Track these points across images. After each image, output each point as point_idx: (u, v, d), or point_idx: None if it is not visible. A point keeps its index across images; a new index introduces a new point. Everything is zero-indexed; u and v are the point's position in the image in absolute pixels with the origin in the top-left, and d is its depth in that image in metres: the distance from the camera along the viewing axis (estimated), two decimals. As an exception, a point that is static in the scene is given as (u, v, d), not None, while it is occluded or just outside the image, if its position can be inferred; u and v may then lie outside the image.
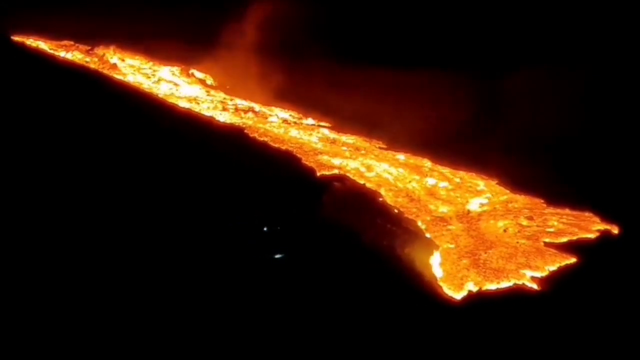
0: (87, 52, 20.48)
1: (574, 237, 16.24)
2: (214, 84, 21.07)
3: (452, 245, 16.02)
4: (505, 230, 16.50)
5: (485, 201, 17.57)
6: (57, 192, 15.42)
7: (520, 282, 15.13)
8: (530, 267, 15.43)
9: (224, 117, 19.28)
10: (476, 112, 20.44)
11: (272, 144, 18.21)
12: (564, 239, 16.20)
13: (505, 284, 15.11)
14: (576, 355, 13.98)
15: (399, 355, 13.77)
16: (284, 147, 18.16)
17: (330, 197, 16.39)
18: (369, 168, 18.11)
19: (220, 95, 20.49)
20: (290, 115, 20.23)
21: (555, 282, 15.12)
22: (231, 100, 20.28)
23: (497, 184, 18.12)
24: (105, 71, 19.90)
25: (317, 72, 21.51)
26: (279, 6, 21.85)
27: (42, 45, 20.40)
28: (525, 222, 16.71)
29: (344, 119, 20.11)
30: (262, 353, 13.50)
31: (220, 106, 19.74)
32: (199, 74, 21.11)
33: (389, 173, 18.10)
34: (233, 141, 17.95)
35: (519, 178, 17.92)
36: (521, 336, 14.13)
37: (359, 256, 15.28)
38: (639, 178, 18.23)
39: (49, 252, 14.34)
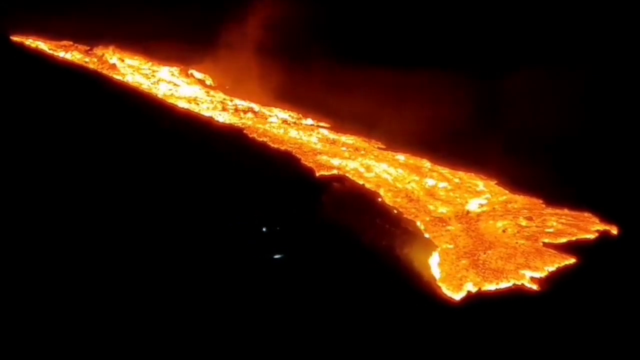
0: (86, 53, 20.45)
1: (573, 238, 16.24)
2: (213, 84, 21.05)
3: (451, 246, 16.01)
4: (504, 231, 16.49)
5: (484, 202, 17.56)
6: (56, 193, 15.42)
7: (519, 283, 15.13)
8: (529, 268, 15.42)
9: (223, 118, 19.28)
10: (475, 113, 20.42)
11: (271, 144, 18.20)
12: (563, 240, 16.20)
13: (504, 285, 15.10)
14: (576, 356, 13.97)
15: (398, 355, 13.77)
16: (283, 148, 18.15)
17: (329, 198, 16.39)
18: (368, 168, 18.10)
19: (220, 95, 20.48)
20: (289, 115, 20.21)
21: (555, 282, 15.11)
22: (231, 100, 20.27)
23: (496, 184, 18.12)
24: (105, 71, 19.87)
25: (316, 73, 21.50)
26: (278, 6, 21.84)
27: (42, 45, 20.37)
28: (524, 223, 16.70)
29: (343, 119, 20.09)
30: (262, 353, 13.50)
31: (219, 106, 19.73)
32: (198, 74, 21.09)
33: (388, 173, 18.09)
34: (232, 141, 17.95)
35: (518, 178, 17.92)
36: (521, 337, 14.13)
37: (358, 256, 15.27)
38: (637, 178, 18.22)
39: (48, 251, 14.34)
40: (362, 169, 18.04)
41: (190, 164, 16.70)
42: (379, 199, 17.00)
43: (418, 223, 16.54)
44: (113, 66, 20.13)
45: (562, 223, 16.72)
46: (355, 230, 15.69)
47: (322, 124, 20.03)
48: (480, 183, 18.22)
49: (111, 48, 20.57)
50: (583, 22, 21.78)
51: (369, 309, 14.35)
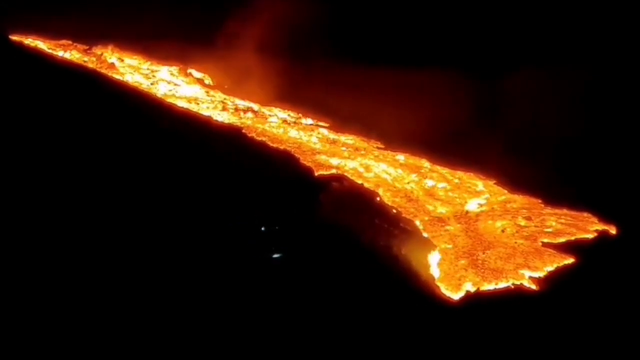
0: (85, 52, 20.44)
1: (572, 238, 16.22)
2: (212, 84, 21.04)
3: (450, 246, 16.00)
4: (503, 231, 16.47)
5: (483, 201, 17.55)
6: (55, 192, 15.42)
7: (518, 283, 15.11)
8: (528, 268, 15.40)
9: (222, 117, 19.26)
10: (475, 113, 20.40)
11: (270, 143, 18.19)
12: (562, 239, 16.18)
13: (503, 284, 15.09)
14: (575, 355, 13.96)
15: (397, 355, 13.76)
16: (282, 147, 18.14)
17: (328, 197, 16.38)
18: (367, 168, 18.09)
19: (219, 95, 20.46)
20: (288, 115, 20.20)
21: (554, 282, 15.10)
22: (230, 100, 20.26)
23: (495, 184, 18.11)
24: (104, 71, 19.86)
25: (316, 72, 21.47)
26: (277, 6, 21.82)
27: (40, 44, 20.37)
28: (523, 223, 16.68)
29: (342, 119, 20.08)
30: (261, 352, 13.48)
31: (219, 106, 19.71)
32: (197, 74, 21.08)
33: (388, 173, 18.08)
34: (231, 141, 17.94)
35: (517, 178, 17.90)
36: (519, 336, 14.12)
37: (357, 256, 15.26)
38: (636, 178, 18.21)
39: (47, 251, 14.33)
40: (361, 169, 18.03)
41: (189, 164, 16.69)
42: (378, 199, 16.99)
43: (417, 223, 16.53)
44: (112, 65, 20.12)
45: (561, 223, 16.70)
46: (354, 230, 15.69)
47: (321, 123, 20.01)
48: (479, 183, 18.20)
49: (110, 47, 20.55)
50: (583, 22, 21.76)
51: (367, 309, 14.34)
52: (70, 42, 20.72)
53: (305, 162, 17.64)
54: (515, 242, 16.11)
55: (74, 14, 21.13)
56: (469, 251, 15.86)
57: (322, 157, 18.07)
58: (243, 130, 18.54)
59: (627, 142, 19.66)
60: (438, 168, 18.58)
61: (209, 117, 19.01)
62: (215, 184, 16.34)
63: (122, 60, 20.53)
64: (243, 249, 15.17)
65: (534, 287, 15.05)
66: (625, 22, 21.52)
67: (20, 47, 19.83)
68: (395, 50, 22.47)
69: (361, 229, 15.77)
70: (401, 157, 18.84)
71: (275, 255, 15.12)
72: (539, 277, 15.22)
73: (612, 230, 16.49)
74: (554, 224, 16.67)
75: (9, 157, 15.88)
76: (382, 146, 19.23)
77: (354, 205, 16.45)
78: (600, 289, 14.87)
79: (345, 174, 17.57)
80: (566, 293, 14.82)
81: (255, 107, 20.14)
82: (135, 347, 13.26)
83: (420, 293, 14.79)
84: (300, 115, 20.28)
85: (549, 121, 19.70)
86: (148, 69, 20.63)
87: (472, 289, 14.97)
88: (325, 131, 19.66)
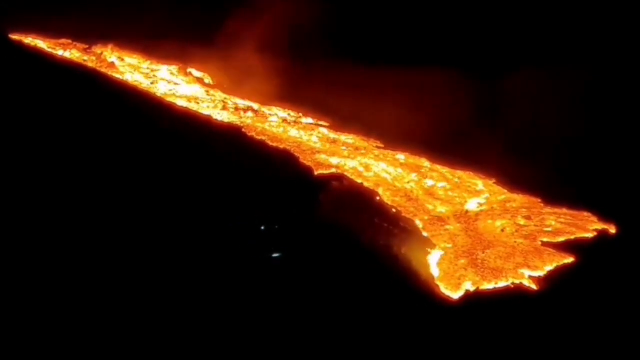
0: (85, 51, 20.44)
1: (572, 237, 16.21)
2: (212, 83, 21.04)
3: (450, 245, 16.00)
4: (502, 230, 16.46)
5: (483, 201, 17.54)
6: (54, 191, 15.42)
7: (518, 282, 15.10)
8: (528, 267, 15.39)
9: (222, 116, 19.26)
10: (474, 112, 20.39)
11: (269, 142, 18.19)
12: (562, 238, 16.17)
13: (502, 284, 15.08)
14: (574, 355, 13.95)
15: (396, 354, 13.76)
16: (281, 146, 18.14)
17: (327, 196, 16.37)
18: (367, 167, 18.08)
19: (219, 94, 20.46)
20: (288, 114, 20.19)
21: (553, 281, 15.09)
22: (230, 99, 20.25)
23: (494, 183, 18.10)
24: (103, 70, 19.86)
25: (316, 71, 21.45)
26: (277, 5, 21.82)
27: (40, 43, 20.36)
28: (522, 222, 16.67)
29: (342, 118, 20.07)
30: (260, 351, 13.48)
31: (219, 105, 19.71)
32: (197, 73, 21.07)
33: (387, 172, 18.07)
34: (231, 140, 17.94)
35: (516, 177, 17.89)
36: (519, 336, 14.11)
37: (357, 255, 15.26)
38: (636, 177, 18.20)
39: (46, 250, 14.33)
40: (360, 168, 18.02)
41: (188, 162, 16.69)
42: (378, 198, 16.98)
43: (417, 222, 16.52)
44: (112, 64, 20.11)
45: (561, 222, 16.68)
46: (354, 229, 15.68)
47: (321, 122, 20.01)
48: (479, 182, 18.19)
49: (110, 46, 20.54)
50: (583, 22, 21.76)
51: (367, 308, 14.34)
52: (69, 41, 20.72)
53: (304, 161, 17.64)
54: (515, 241, 16.10)
55: (74, 13, 21.13)
56: (469, 250, 15.86)
57: (322, 156, 18.06)
58: (243, 129, 18.54)
59: (626, 141, 19.66)
60: (438, 167, 18.57)
61: (209, 116, 19.01)
62: (215, 182, 16.33)
63: (122, 59, 20.53)
64: (243, 248, 15.16)
65: (533, 286, 15.04)
66: (625, 22, 21.52)
67: (20, 46, 19.83)
68: (396, 49, 22.46)
69: (361, 228, 15.76)
70: (401, 156, 18.83)
71: (275, 255, 15.11)
72: (539, 276, 15.21)
73: (612, 230, 16.47)
74: (553, 223, 16.66)
75: (8, 156, 15.88)
76: (381, 145, 19.23)
77: (354, 204, 16.44)
78: (600, 288, 14.86)
79: (345, 173, 17.56)
80: (566, 292, 14.82)
81: (255, 106, 20.14)
82: (135, 346, 13.25)
83: (419, 292, 14.79)
84: (300, 114, 20.27)
85: (549, 120, 19.68)
86: (148, 68, 20.62)
87: (472, 288, 14.96)
88: (325, 130, 19.65)
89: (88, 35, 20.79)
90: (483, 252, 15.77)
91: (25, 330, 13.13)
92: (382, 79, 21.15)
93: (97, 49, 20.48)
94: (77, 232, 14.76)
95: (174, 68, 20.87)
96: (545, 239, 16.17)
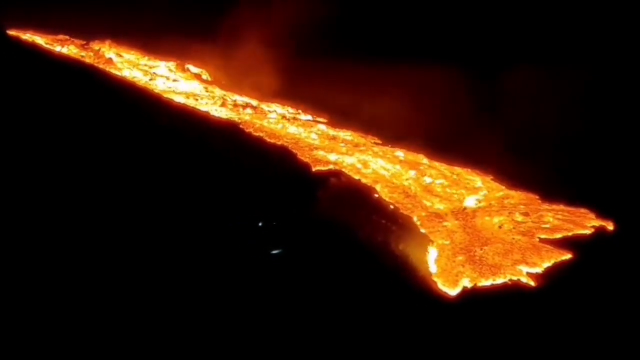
0: (83, 47, 20.41)
1: (569, 233, 16.23)
2: (209, 79, 21.03)
3: (448, 242, 16.01)
4: (500, 227, 16.48)
5: (481, 198, 17.55)
6: (52, 188, 15.40)
7: (515, 278, 15.12)
8: (525, 263, 15.41)
9: (220, 113, 19.25)
10: (473, 110, 20.41)
11: (267, 139, 18.18)
12: (559, 235, 16.18)
13: (500, 280, 15.09)
14: (572, 351, 13.98)
15: (394, 351, 13.77)
16: (279, 143, 18.13)
17: (325, 193, 16.37)
18: (365, 164, 18.08)
19: (217, 90, 20.45)
20: (287, 110, 20.19)
21: (551, 278, 15.11)
22: (229, 95, 20.25)
23: (492, 180, 18.11)
24: (101, 66, 19.83)
25: (314, 68, 21.46)
26: (276, 1, 21.82)
27: (38, 39, 20.33)
28: (520, 218, 16.68)
29: (341, 114, 20.08)
30: (259, 349, 13.49)
31: (218, 102, 19.70)
32: (195, 69, 21.06)
33: (385, 169, 18.07)
34: (228, 137, 17.93)
35: (514, 174, 17.91)
36: (517, 332, 14.12)
37: (354, 252, 15.26)
38: (633, 174, 18.23)
39: (44, 249, 14.32)
40: (359, 165, 18.02)
41: (187, 159, 16.68)
42: (376, 195, 16.98)
43: (415, 219, 16.53)
44: (109, 61, 20.08)
45: (558, 219, 16.70)
46: (352, 226, 15.68)
47: (319, 119, 20.01)
48: (477, 179, 18.21)
49: (108, 42, 20.52)
50: (583, 22, 21.77)
51: (365, 305, 14.34)
52: (67, 37, 20.68)
53: (302, 158, 17.63)
54: (513, 238, 16.11)
55: (72, 9, 21.10)
56: (467, 247, 15.86)
57: (320, 153, 18.05)
58: (241, 126, 18.53)
59: (624, 139, 19.68)
60: (436, 164, 18.58)
61: (207, 113, 18.99)
62: (213, 179, 16.32)
63: (120, 56, 20.50)
64: (241, 245, 15.17)
65: (531, 283, 15.05)
66: (625, 22, 21.53)
67: (18, 42, 19.79)
68: (395, 47, 22.47)
69: (359, 225, 15.77)
70: (399, 153, 18.84)
71: (273, 251, 15.11)
72: (537, 273, 15.23)
73: (610, 226, 16.49)
74: (551, 219, 16.67)
75: (6, 152, 15.86)
76: (380, 142, 19.24)
77: (352, 201, 16.44)
78: (598, 285, 14.89)
79: (343, 169, 17.56)
80: (563, 289, 14.84)
81: (254, 102, 20.14)
82: (135, 346, 13.26)
83: (417, 289, 14.80)
84: (299, 111, 20.28)
85: (547, 118, 19.71)
86: (146, 64, 20.60)
87: (470, 285, 14.97)
88: (323, 127, 19.65)
89: (86, 31, 20.76)
90: (481, 249, 15.78)
91: (25, 330, 13.12)
92: (381, 76, 21.16)
93: (95, 45, 20.44)
94: (74, 229, 14.74)
95: (172, 64, 20.86)
96: (543, 236, 16.18)
